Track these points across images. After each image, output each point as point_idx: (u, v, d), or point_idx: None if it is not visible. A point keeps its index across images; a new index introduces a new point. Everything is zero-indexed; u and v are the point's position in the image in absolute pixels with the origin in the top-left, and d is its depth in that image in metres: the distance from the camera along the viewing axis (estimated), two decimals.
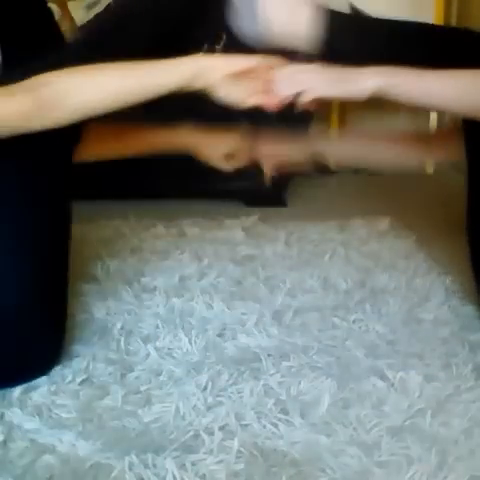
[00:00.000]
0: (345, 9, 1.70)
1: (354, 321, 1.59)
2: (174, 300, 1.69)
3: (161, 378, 1.35)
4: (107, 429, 1.19)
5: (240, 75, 1.26)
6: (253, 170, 1.60)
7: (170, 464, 1.07)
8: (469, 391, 1.31)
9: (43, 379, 1.33)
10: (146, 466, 1.08)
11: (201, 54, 1.29)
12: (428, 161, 1.92)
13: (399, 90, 1.27)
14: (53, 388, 1.30)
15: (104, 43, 1.34)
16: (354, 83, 1.28)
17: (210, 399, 1.27)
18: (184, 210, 2.51)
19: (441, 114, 3.20)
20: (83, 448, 1.13)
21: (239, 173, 1.61)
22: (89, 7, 3.13)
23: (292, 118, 1.49)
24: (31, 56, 1.26)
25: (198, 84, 1.25)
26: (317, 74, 1.31)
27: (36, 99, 1.15)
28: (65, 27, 3.14)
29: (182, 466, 1.08)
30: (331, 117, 3.33)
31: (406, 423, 1.21)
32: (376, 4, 3.27)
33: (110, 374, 1.37)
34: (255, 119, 1.49)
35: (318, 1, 1.34)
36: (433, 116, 3.17)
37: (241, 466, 1.09)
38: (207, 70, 1.24)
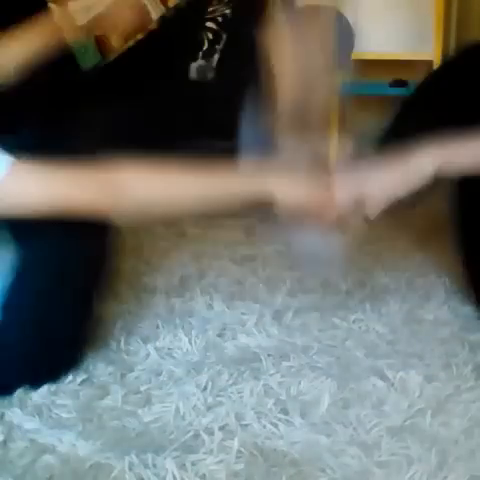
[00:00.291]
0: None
1: (354, 321, 1.59)
2: (174, 300, 1.69)
3: (161, 378, 1.35)
4: (107, 429, 1.19)
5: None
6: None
7: (170, 464, 1.07)
8: (469, 391, 1.31)
9: None
10: (146, 466, 1.08)
11: (275, 176, 1.26)
12: None
13: (454, 166, 1.26)
14: (53, 388, 1.30)
15: None
16: (414, 174, 1.25)
17: (210, 399, 1.27)
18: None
19: None
20: (83, 448, 1.13)
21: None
22: (89, 7, 3.13)
23: None
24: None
25: (263, 200, 1.27)
26: (377, 179, 1.27)
27: (113, 203, 1.20)
28: (65, 27, 3.14)
29: (182, 466, 1.08)
30: (331, 117, 3.33)
31: (406, 423, 1.21)
32: (376, 4, 3.28)
33: (110, 374, 1.37)
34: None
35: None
36: None
37: (241, 466, 1.09)
38: (277, 196, 1.25)
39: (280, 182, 1.27)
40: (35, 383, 1.30)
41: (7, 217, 1.25)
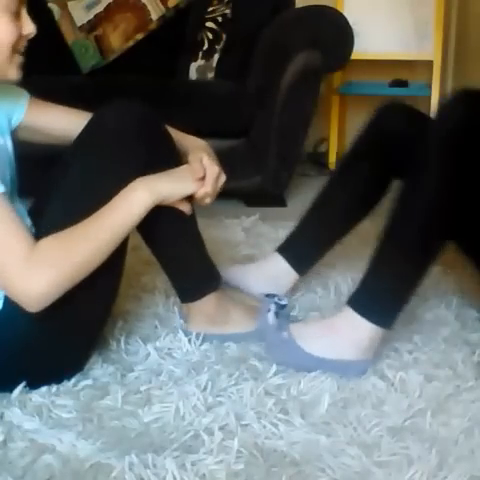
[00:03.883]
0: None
1: None
2: (174, 300, 1.69)
3: (161, 378, 1.35)
4: (107, 429, 1.19)
5: None
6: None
7: (170, 464, 1.07)
8: (469, 391, 1.31)
9: None
10: (146, 466, 1.08)
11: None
12: None
13: None
14: (53, 388, 1.30)
15: None
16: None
17: (210, 399, 1.27)
18: None
19: None
20: (83, 448, 1.13)
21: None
22: (89, 7, 3.13)
23: None
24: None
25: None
26: None
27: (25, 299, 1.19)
28: (65, 27, 3.14)
29: (182, 466, 1.08)
30: (331, 117, 3.33)
31: (406, 423, 1.21)
32: (376, 4, 3.28)
33: (110, 374, 1.37)
34: None
35: None
36: None
37: (241, 466, 1.09)
38: (162, 199, 1.30)
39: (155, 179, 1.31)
40: (37, 385, 1.30)
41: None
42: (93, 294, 1.29)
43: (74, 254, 1.21)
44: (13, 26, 1.20)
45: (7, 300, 1.26)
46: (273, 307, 1.46)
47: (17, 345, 1.26)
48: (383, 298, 1.39)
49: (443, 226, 1.39)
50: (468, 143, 1.35)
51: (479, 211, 1.40)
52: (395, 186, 1.61)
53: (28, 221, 1.36)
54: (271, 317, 1.46)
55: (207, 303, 1.47)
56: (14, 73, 1.24)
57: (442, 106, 1.43)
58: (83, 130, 1.34)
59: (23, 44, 1.24)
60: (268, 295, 1.54)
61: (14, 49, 1.21)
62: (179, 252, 1.44)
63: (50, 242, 1.20)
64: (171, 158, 1.38)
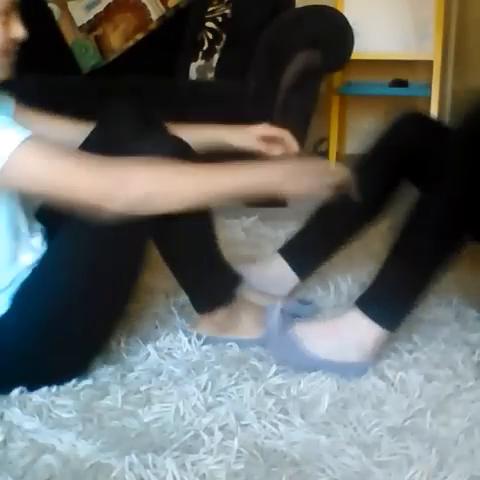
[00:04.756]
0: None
1: None
2: (174, 300, 1.69)
3: (161, 378, 1.35)
4: (107, 429, 1.19)
5: None
6: None
7: (170, 464, 1.07)
8: (469, 391, 1.31)
9: None
10: (146, 466, 1.08)
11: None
12: None
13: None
14: (53, 388, 1.30)
15: None
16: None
17: (210, 399, 1.27)
18: None
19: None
20: (83, 448, 1.13)
21: None
22: (89, 7, 3.13)
23: None
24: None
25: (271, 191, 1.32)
26: None
27: (121, 195, 1.19)
28: (65, 27, 3.14)
29: (182, 466, 1.08)
30: (331, 117, 3.33)
31: (406, 423, 1.21)
32: (376, 4, 3.27)
33: (110, 374, 1.37)
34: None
35: None
36: None
37: (241, 466, 1.09)
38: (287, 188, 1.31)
39: (281, 168, 1.31)
40: (37, 386, 1.29)
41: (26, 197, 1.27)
42: (98, 309, 1.30)
43: (170, 188, 1.23)
44: (0, 29, 1.20)
45: (10, 304, 1.26)
46: (279, 305, 1.46)
47: (18, 350, 1.26)
48: (393, 301, 1.39)
49: (459, 236, 1.39)
50: None
51: None
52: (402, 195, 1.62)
53: (38, 225, 1.36)
54: (276, 317, 1.45)
55: (219, 313, 1.47)
56: (1, 73, 1.24)
57: (465, 114, 1.42)
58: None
59: (11, 47, 1.23)
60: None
61: (1, 51, 1.21)
62: (197, 269, 1.43)
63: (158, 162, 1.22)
64: None
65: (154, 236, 1.34)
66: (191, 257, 1.42)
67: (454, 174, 1.38)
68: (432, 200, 1.40)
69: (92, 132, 1.43)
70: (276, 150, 1.50)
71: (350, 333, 1.37)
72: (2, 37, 1.21)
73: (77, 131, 1.45)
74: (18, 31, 1.23)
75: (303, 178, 1.32)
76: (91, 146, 1.36)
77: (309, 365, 1.36)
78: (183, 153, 1.31)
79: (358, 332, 1.37)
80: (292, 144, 1.50)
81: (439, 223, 1.37)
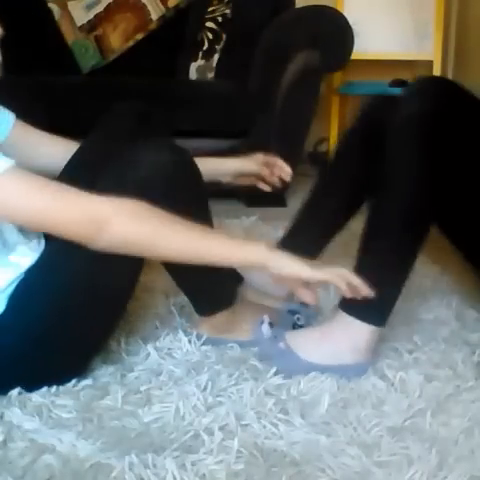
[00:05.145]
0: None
1: None
2: (174, 300, 1.69)
3: (161, 378, 1.35)
4: (107, 429, 1.19)
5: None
6: None
7: (170, 464, 1.07)
8: (469, 391, 1.31)
9: None
10: (146, 466, 1.08)
11: (272, 245, 1.36)
12: None
13: None
14: (53, 388, 1.30)
15: None
16: None
17: (210, 399, 1.27)
18: None
19: None
20: (83, 448, 1.13)
21: None
22: (89, 7, 3.13)
23: None
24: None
25: (258, 269, 1.30)
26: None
27: (94, 233, 1.16)
28: (65, 27, 3.14)
29: (182, 466, 1.08)
30: (331, 117, 3.33)
31: (406, 423, 1.21)
32: (376, 4, 3.27)
33: (110, 374, 1.37)
34: None
35: None
36: None
37: (241, 466, 1.09)
38: (271, 267, 1.25)
39: (276, 254, 1.28)
40: (36, 386, 1.29)
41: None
42: (97, 308, 1.29)
43: (156, 233, 1.20)
44: None
45: (6, 305, 1.26)
46: (266, 319, 1.46)
47: (16, 350, 1.26)
48: (373, 296, 1.39)
49: (424, 211, 1.40)
50: (437, 127, 1.37)
51: (458, 192, 1.42)
52: None
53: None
54: (265, 329, 1.45)
55: (220, 316, 1.47)
56: None
57: (407, 93, 1.44)
58: (110, 169, 1.30)
59: None
60: (290, 310, 1.54)
61: None
62: (196, 270, 1.39)
63: (145, 205, 1.18)
64: (201, 198, 1.40)
65: None
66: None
67: (402, 154, 1.39)
68: (388, 182, 1.41)
69: (91, 134, 1.43)
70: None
71: (341, 336, 1.38)
72: None
73: (74, 149, 1.45)
74: None
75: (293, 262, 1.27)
76: (89, 150, 1.35)
77: (305, 373, 1.36)
78: (182, 161, 1.31)
79: (348, 333, 1.37)
80: (286, 169, 1.60)
81: (398, 205, 1.38)
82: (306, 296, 1.29)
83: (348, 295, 1.29)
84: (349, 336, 1.37)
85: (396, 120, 1.42)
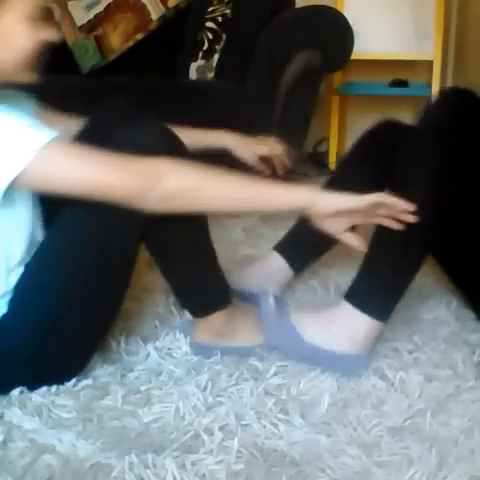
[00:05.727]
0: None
1: None
2: (174, 300, 1.68)
3: (161, 378, 1.35)
4: (107, 429, 1.19)
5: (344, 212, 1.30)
6: None
7: (170, 464, 1.07)
8: (469, 391, 1.31)
9: None
10: (146, 466, 1.08)
11: (319, 187, 1.36)
12: None
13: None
14: (53, 388, 1.30)
15: None
16: None
17: (210, 399, 1.27)
18: None
19: None
20: (83, 448, 1.13)
21: None
22: (89, 7, 3.13)
23: None
24: None
25: (308, 212, 1.29)
26: None
27: (146, 193, 1.18)
28: (65, 27, 3.14)
29: (182, 466, 1.08)
30: (331, 117, 3.33)
31: (406, 423, 1.21)
32: (376, 4, 3.27)
33: (110, 374, 1.37)
34: None
35: None
36: None
37: (241, 466, 1.09)
38: (320, 205, 1.27)
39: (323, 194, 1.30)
40: (36, 386, 1.29)
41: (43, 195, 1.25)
42: (95, 306, 1.30)
43: (205, 187, 1.22)
44: (32, 32, 1.21)
45: (8, 307, 1.26)
46: (270, 293, 1.45)
47: (16, 352, 1.26)
48: (378, 291, 1.42)
49: (435, 218, 1.40)
50: (453, 141, 1.39)
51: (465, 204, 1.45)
52: None
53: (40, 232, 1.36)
54: (270, 302, 1.44)
55: (216, 317, 1.43)
56: (27, 75, 1.26)
57: (428, 106, 1.46)
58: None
59: (42, 49, 1.24)
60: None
61: (31, 53, 1.23)
62: (190, 270, 1.40)
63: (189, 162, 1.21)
64: None
65: (145, 238, 1.33)
66: (183, 259, 1.39)
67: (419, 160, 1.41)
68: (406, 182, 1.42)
69: (82, 128, 1.42)
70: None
71: (343, 323, 1.40)
72: (33, 41, 1.22)
73: None
74: (50, 34, 1.24)
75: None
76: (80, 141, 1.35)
77: (305, 354, 1.38)
78: (175, 148, 1.31)
79: (350, 323, 1.39)
80: (285, 162, 1.67)
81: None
82: (353, 240, 1.32)
83: (395, 226, 1.31)
84: (350, 324, 1.39)
85: (414, 132, 1.46)
